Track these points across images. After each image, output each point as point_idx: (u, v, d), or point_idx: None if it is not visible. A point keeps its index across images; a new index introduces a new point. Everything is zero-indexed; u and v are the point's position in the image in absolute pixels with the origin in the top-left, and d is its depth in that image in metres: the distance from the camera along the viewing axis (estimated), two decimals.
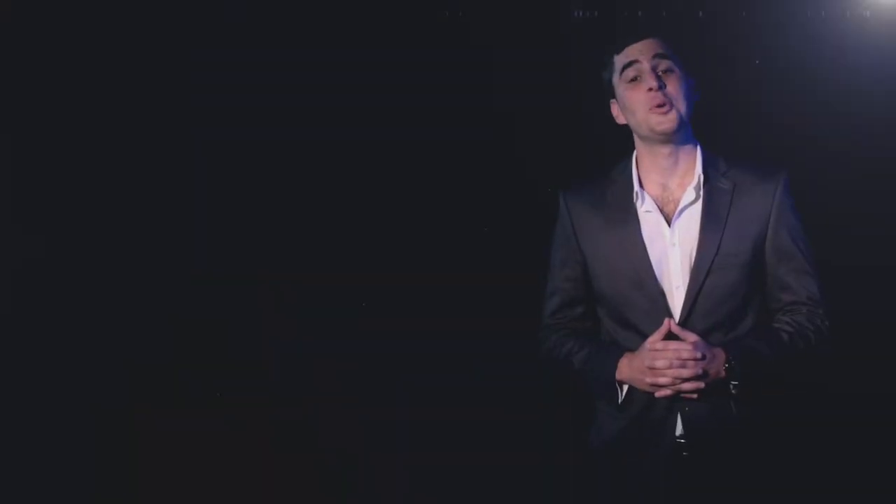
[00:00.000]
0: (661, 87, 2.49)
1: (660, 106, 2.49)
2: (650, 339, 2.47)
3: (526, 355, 3.33)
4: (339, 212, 3.56)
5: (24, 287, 3.39)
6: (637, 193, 2.56)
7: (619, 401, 2.53)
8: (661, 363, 2.43)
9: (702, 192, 2.53)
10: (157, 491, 3.49)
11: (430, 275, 3.47)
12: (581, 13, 3.50)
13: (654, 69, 2.50)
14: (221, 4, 3.49)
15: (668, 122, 2.50)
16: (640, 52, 2.52)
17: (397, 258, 3.52)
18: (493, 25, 3.49)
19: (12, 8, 3.37)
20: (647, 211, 2.55)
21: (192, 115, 3.50)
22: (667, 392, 2.45)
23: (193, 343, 3.53)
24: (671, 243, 2.53)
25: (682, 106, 2.51)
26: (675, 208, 2.54)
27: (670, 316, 2.49)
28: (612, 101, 2.62)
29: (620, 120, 2.60)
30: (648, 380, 2.46)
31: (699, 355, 2.42)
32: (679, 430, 2.50)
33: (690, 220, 2.53)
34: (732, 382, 2.45)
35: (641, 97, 2.51)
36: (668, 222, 2.54)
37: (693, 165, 2.55)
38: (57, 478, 3.40)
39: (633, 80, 2.52)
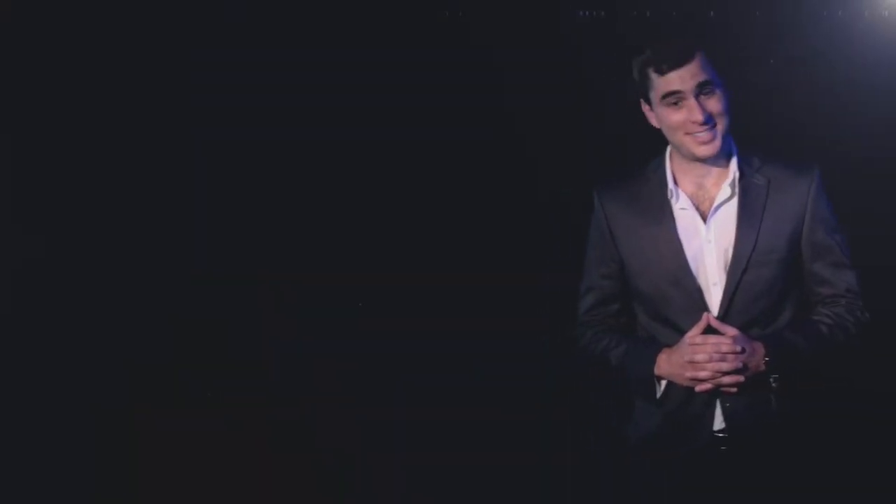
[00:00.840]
0: (707, 118, 2.46)
1: (705, 141, 2.47)
2: (689, 334, 2.47)
3: (524, 355, 3.35)
4: (339, 212, 3.56)
5: (24, 287, 3.39)
6: (671, 191, 2.56)
7: (658, 396, 2.54)
8: (702, 357, 2.44)
9: (737, 189, 2.53)
10: (157, 491, 3.49)
11: (430, 275, 3.47)
12: (587, 13, 3.49)
13: (697, 97, 2.46)
14: (221, 4, 3.49)
15: (711, 149, 2.48)
16: (682, 82, 2.45)
17: (397, 258, 3.52)
18: (494, 25, 3.49)
19: (12, 8, 3.37)
20: (682, 208, 2.55)
21: (192, 115, 3.50)
22: (707, 386, 2.45)
23: (193, 343, 3.53)
24: (707, 240, 2.53)
25: (723, 125, 2.48)
26: (711, 205, 2.54)
27: (708, 312, 2.49)
28: (643, 101, 2.56)
29: (654, 123, 2.57)
30: (688, 374, 2.46)
31: (739, 349, 2.43)
32: (717, 424, 2.50)
33: (727, 217, 2.52)
34: (773, 376, 2.45)
35: (682, 122, 2.48)
36: (704, 219, 2.54)
37: (728, 162, 2.55)
38: (57, 478, 3.40)
39: (675, 103, 2.48)
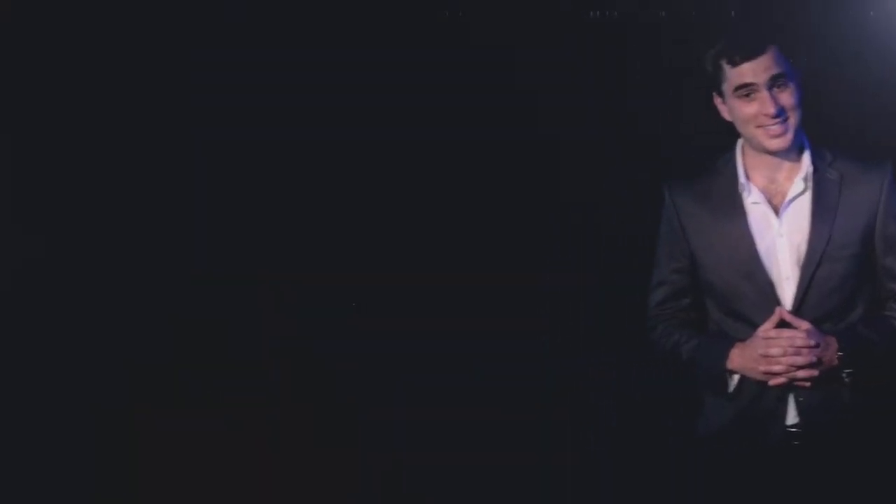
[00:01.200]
0: (779, 111, 2.45)
1: (777, 134, 2.47)
2: (762, 328, 2.47)
3: (524, 355, 3.34)
4: (339, 212, 3.56)
5: (24, 287, 3.39)
6: (743, 185, 2.55)
7: (731, 390, 2.53)
8: (776, 351, 2.43)
9: (811, 183, 2.52)
10: (157, 491, 3.49)
11: (430, 275, 3.47)
12: (596, 13, 3.49)
13: (770, 90, 2.46)
14: (221, 4, 3.49)
15: (782, 142, 2.48)
16: (755, 74, 2.45)
17: (397, 258, 3.52)
18: (494, 25, 3.49)
19: (12, 8, 3.37)
20: (754, 202, 2.55)
21: (192, 115, 3.49)
22: (781, 380, 2.45)
23: (193, 343, 3.53)
24: (779, 234, 2.52)
25: (795, 118, 2.48)
26: (783, 199, 2.53)
27: (781, 306, 2.49)
28: (715, 94, 2.56)
29: (725, 115, 2.56)
30: (762, 368, 2.46)
31: (813, 343, 2.43)
32: (790, 419, 2.50)
33: (799, 211, 2.52)
34: (846, 371, 2.45)
35: (754, 115, 2.48)
36: (776, 213, 2.53)
37: (800, 156, 2.54)
38: (57, 478, 3.40)
39: (747, 95, 2.48)
